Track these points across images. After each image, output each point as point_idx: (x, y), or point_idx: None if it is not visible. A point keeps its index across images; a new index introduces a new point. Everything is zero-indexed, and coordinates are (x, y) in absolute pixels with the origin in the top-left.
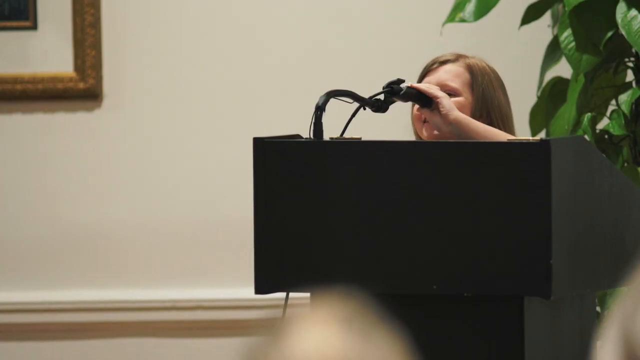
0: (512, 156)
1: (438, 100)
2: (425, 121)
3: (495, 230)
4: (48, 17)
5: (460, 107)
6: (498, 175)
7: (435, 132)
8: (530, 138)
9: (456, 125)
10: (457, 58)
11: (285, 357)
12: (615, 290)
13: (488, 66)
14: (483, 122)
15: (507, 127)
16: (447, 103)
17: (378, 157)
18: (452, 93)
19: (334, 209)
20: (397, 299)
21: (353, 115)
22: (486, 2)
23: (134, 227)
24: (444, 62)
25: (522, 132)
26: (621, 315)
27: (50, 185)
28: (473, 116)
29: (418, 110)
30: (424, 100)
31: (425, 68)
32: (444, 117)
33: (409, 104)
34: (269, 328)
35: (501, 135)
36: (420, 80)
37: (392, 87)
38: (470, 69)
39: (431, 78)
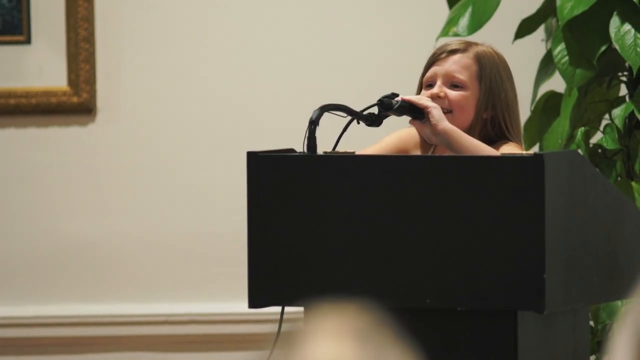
0: (506, 170)
1: (428, 110)
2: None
3: (489, 244)
4: (42, 31)
5: (466, 101)
6: (492, 189)
7: (446, 104)
8: (524, 152)
9: (444, 135)
10: (466, 47)
11: None
12: (608, 305)
13: (497, 55)
14: (488, 115)
15: (512, 121)
16: (437, 113)
17: (371, 171)
18: (459, 85)
19: (328, 223)
20: (389, 313)
21: (344, 129)
22: (480, 16)
23: (127, 241)
24: (452, 52)
25: None
26: (634, 317)
27: (44, 200)
28: (478, 109)
29: (410, 123)
30: (417, 112)
31: (433, 56)
32: (433, 127)
33: (403, 118)
34: (281, 342)
35: (488, 150)
36: (427, 69)
37: (382, 101)
38: (479, 59)
39: (439, 68)
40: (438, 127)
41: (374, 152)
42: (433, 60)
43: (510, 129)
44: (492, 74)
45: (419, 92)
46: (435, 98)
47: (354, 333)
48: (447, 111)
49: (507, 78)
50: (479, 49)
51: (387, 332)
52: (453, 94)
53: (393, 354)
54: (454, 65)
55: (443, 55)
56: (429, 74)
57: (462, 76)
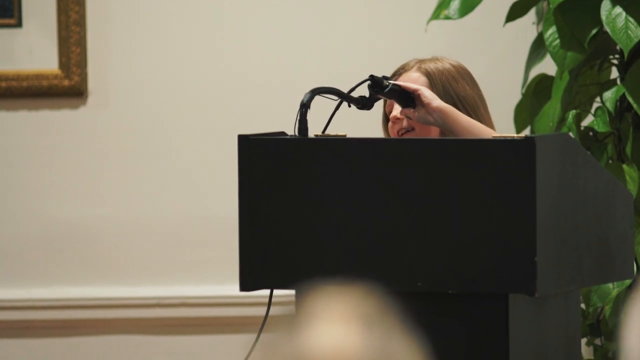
0: (497, 153)
1: (419, 92)
2: (390, 120)
3: (480, 227)
4: (33, 14)
5: None
6: (483, 172)
7: (405, 124)
8: (515, 135)
9: (439, 113)
10: (414, 65)
11: (300, 353)
12: (600, 288)
13: (449, 63)
14: None
15: (478, 118)
16: (429, 93)
17: (363, 154)
18: None
19: (319, 206)
20: (381, 296)
21: (334, 111)
22: None
23: (118, 224)
24: (401, 73)
25: (507, 129)
26: None
27: (34, 183)
28: None
29: (402, 113)
30: (406, 99)
31: None
32: (427, 106)
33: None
34: (280, 325)
35: (483, 129)
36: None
37: (372, 76)
38: (426, 72)
39: None
40: (433, 105)
41: None
42: None
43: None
44: (443, 79)
45: (385, 122)
46: (394, 121)
47: (359, 318)
48: (410, 129)
49: (464, 78)
50: (426, 63)
51: (392, 317)
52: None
53: (399, 340)
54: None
55: (393, 78)
56: (387, 102)
57: None
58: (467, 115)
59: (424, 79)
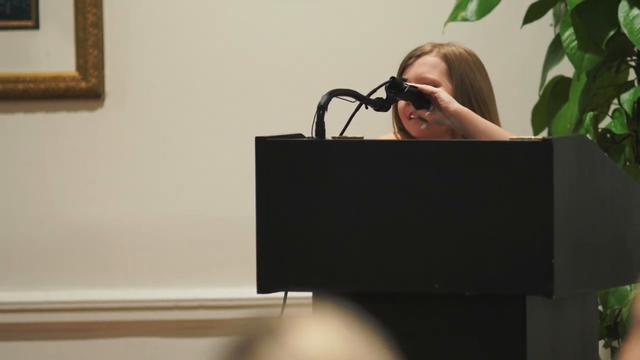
0: (515, 155)
1: (435, 94)
2: (410, 117)
3: (498, 229)
4: (50, 16)
5: None
6: (500, 174)
7: (423, 126)
8: (533, 137)
9: (456, 116)
10: (432, 49)
11: (290, 357)
12: (617, 289)
13: (465, 50)
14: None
15: (488, 111)
16: (445, 96)
17: (380, 156)
18: (431, 84)
19: (336, 208)
20: (399, 298)
21: (353, 114)
22: (488, 1)
23: (135, 226)
24: (419, 56)
25: (524, 131)
26: None
27: (52, 185)
28: None
29: (415, 115)
30: (422, 101)
31: (402, 63)
32: (445, 110)
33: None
34: (265, 326)
35: (500, 132)
36: (399, 75)
37: (394, 78)
38: (446, 57)
39: (409, 73)
40: (450, 109)
41: None
42: (403, 67)
43: (489, 119)
44: (461, 68)
45: (396, 115)
46: (407, 106)
47: (343, 322)
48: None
49: (478, 70)
50: (445, 48)
51: (365, 325)
52: None
53: (376, 348)
54: (423, 67)
55: (411, 61)
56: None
57: (432, 75)
58: (478, 109)
59: (443, 65)
